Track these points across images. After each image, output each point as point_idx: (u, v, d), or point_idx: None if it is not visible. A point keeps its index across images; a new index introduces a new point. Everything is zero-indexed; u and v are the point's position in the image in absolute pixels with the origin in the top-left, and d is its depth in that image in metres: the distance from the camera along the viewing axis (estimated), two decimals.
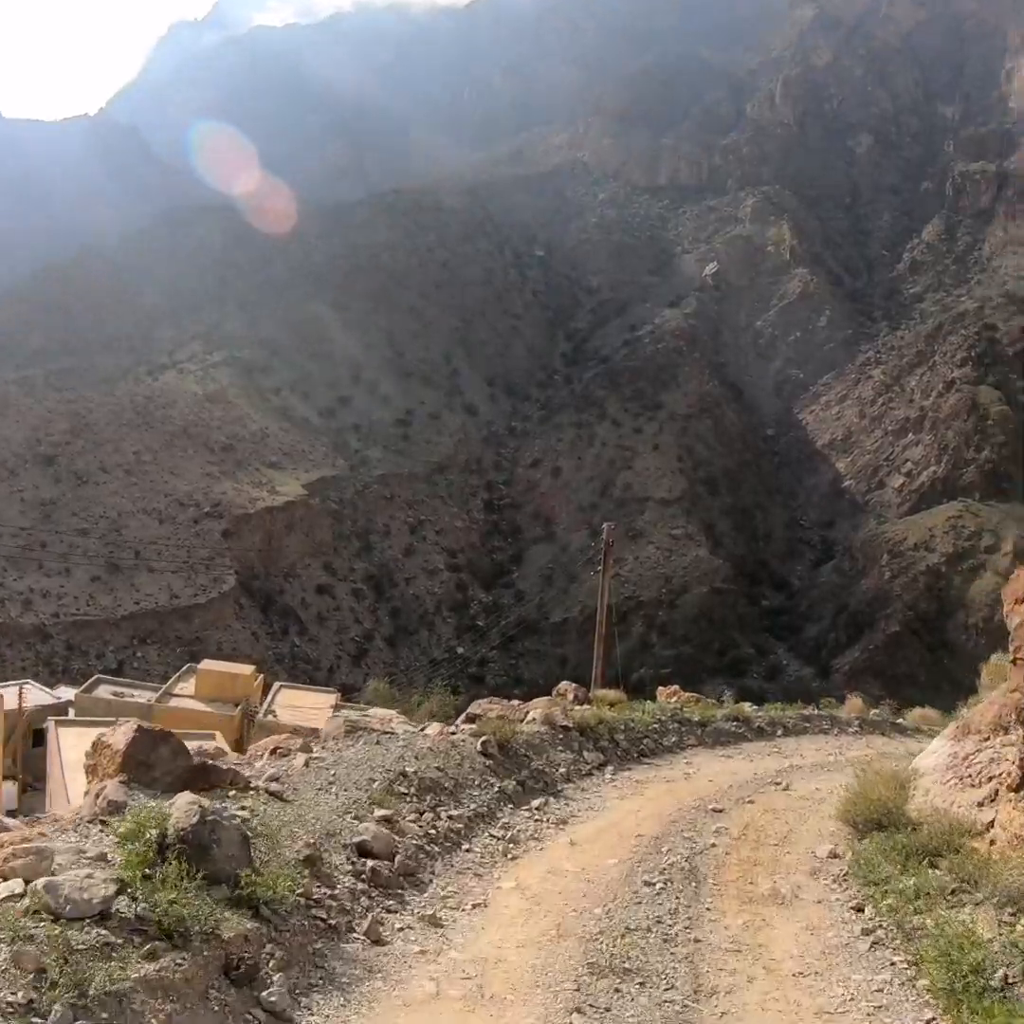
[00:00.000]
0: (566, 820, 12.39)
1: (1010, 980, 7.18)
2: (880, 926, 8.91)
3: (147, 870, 6.92)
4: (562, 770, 14.36)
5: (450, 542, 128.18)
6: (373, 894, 8.77)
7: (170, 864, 6.91)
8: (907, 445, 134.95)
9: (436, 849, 10.22)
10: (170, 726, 28.76)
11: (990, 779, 11.31)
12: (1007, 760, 11.19)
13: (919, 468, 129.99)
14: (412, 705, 23.02)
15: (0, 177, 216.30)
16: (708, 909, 9.49)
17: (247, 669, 35.88)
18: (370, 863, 9.09)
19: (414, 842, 10.02)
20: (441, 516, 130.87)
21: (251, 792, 9.64)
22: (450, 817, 11.02)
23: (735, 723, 19.78)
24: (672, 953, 8.40)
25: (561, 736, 15.48)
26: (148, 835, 7.19)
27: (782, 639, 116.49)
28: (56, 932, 6.06)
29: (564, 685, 20.36)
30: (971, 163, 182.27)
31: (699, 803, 13.67)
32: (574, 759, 14.99)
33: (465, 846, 10.68)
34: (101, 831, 7.93)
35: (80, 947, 6.06)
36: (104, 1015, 5.68)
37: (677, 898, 9.67)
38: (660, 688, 23.53)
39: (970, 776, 11.67)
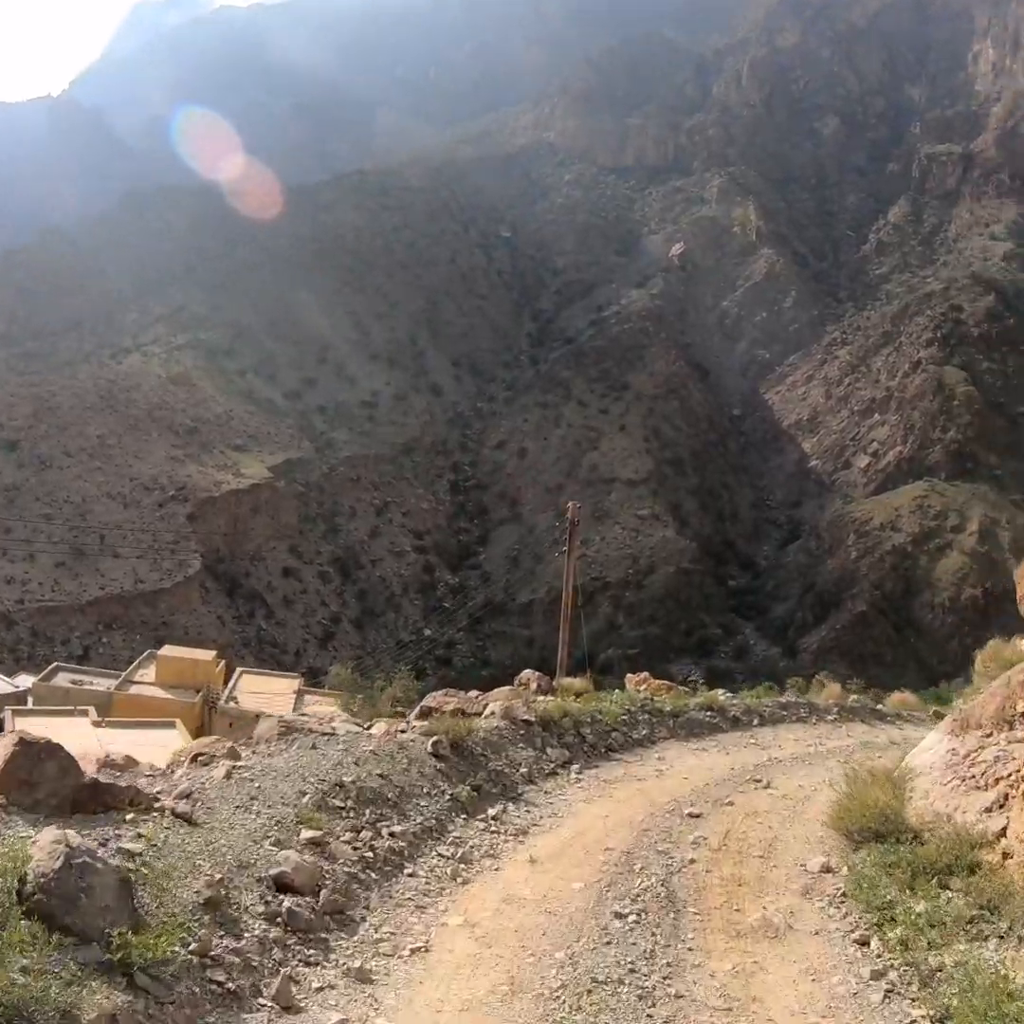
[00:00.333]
0: (526, 830, 11.07)
1: None
2: (891, 966, 7.63)
3: None
4: (523, 770, 13.07)
5: (416, 524, 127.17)
6: (289, 942, 7.19)
7: (19, 923, 5.43)
8: (873, 425, 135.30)
9: (373, 876, 8.70)
10: (130, 714, 27.46)
11: (997, 781, 10.23)
12: (1015, 759, 10.13)
13: (885, 448, 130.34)
14: (375, 691, 21.66)
15: None
16: (690, 949, 8.12)
17: (208, 655, 34.85)
18: (288, 902, 7.50)
19: (346, 870, 8.47)
20: (407, 498, 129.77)
21: (154, 814, 8.10)
22: (392, 834, 9.54)
23: (709, 713, 18.65)
24: (649, 1015, 7.01)
25: (522, 732, 14.19)
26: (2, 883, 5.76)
27: (749, 619, 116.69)
28: None
29: (526, 674, 19.03)
30: (937, 145, 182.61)
31: (674, 806, 12.47)
32: (536, 757, 13.70)
33: (408, 869, 9.20)
34: None
35: None
36: None
37: (654, 934, 8.29)
38: (629, 675, 22.33)
39: (974, 777, 10.60)
